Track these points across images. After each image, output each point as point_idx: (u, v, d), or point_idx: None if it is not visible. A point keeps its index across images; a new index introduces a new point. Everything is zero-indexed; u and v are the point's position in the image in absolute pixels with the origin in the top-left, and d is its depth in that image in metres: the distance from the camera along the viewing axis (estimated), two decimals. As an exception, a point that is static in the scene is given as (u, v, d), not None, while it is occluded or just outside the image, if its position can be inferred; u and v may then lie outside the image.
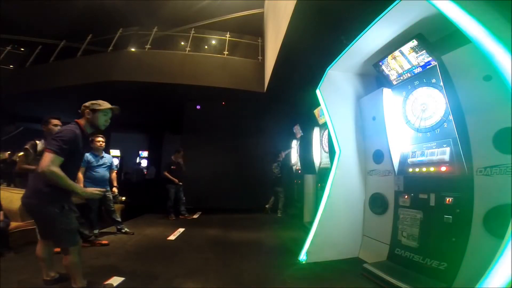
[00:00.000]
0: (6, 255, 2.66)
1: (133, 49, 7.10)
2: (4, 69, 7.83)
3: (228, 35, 7.36)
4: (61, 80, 6.59)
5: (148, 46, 6.84)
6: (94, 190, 1.96)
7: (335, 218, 2.85)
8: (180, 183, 5.26)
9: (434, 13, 1.90)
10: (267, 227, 4.80)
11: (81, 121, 1.95)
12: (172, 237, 3.82)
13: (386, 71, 2.54)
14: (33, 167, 2.62)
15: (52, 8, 7.98)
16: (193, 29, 7.56)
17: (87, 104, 1.98)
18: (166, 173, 5.25)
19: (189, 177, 5.80)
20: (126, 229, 3.87)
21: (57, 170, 1.66)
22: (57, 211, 1.77)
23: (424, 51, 2.12)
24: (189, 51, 6.92)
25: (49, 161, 1.65)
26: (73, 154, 1.80)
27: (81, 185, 3.56)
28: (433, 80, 2.14)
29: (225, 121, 7.42)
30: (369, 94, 2.94)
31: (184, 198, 5.47)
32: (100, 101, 2.01)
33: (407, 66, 2.33)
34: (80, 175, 3.31)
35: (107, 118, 2.03)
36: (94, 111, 1.95)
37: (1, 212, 2.86)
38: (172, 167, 5.30)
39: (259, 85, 6.28)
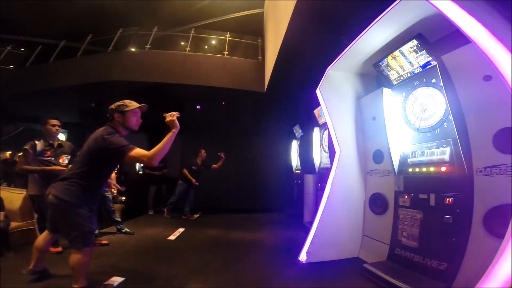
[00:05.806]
0: (6, 255, 2.65)
1: (133, 49, 7.10)
2: (4, 69, 7.82)
3: (228, 35, 7.36)
4: (61, 80, 6.59)
5: (148, 46, 6.84)
6: None
7: (335, 218, 2.84)
8: (197, 184, 5.34)
9: (434, 13, 1.90)
10: (267, 227, 4.80)
11: (114, 125, 1.90)
12: (172, 237, 3.81)
13: (386, 71, 2.54)
14: (34, 167, 2.63)
15: (52, 8, 7.98)
16: (193, 29, 7.55)
17: (113, 106, 1.92)
18: (185, 171, 5.32)
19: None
20: (126, 229, 3.87)
21: (150, 153, 1.75)
22: (86, 213, 1.78)
23: (424, 51, 2.12)
24: (189, 51, 6.92)
25: (141, 154, 1.76)
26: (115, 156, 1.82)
27: (114, 181, 3.93)
28: (433, 80, 2.14)
29: (225, 121, 7.42)
30: (369, 94, 2.94)
31: (193, 200, 5.53)
32: (126, 101, 1.95)
33: (407, 66, 2.33)
34: (113, 175, 3.77)
35: (138, 117, 1.99)
36: (123, 113, 1.91)
37: (2, 213, 2.86)
38: (193, 167, 5.40)
39: (259, 85, 6.27)
